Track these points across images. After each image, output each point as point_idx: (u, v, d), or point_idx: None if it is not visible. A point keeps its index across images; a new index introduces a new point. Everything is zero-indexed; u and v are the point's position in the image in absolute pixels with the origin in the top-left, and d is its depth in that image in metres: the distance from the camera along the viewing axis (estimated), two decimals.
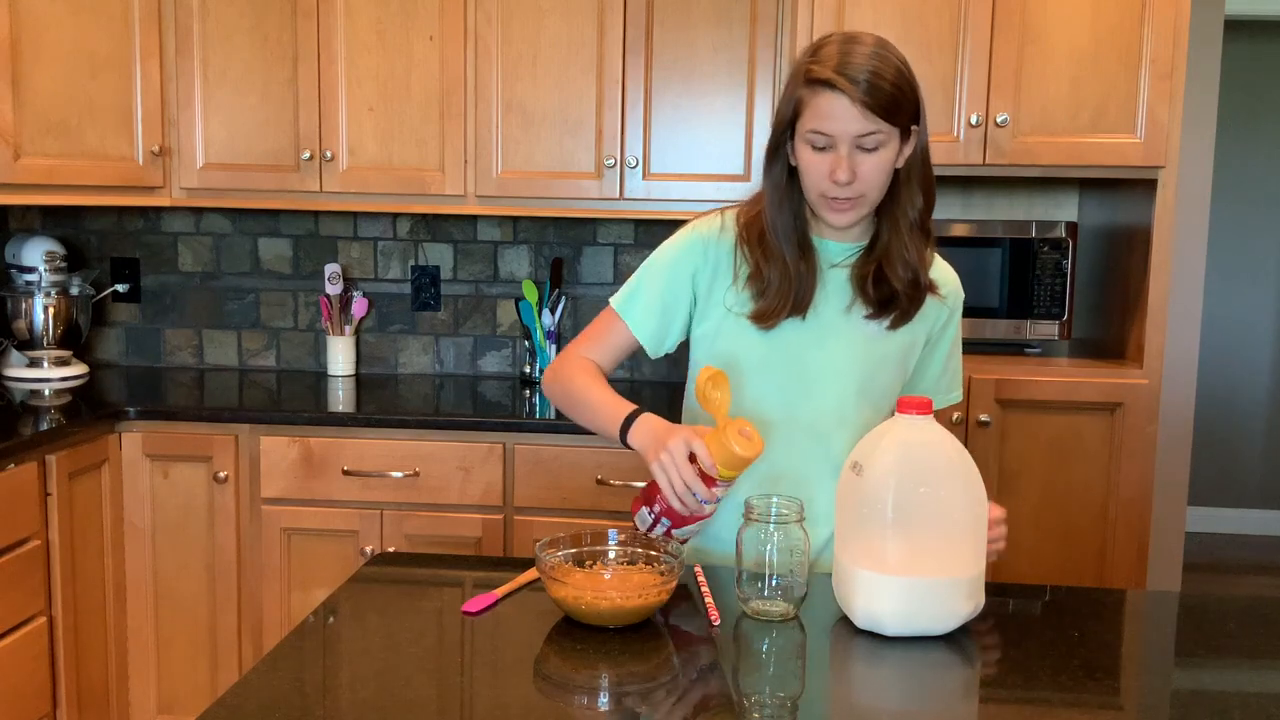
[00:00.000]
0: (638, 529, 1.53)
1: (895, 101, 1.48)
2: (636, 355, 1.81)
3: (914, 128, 1.54)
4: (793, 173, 1.60)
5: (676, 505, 1.45)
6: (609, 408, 1.59)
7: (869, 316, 1.62)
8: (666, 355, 1.73)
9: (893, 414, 1.40)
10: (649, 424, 1.53)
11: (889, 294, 1.60)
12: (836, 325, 1.62)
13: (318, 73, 2.79)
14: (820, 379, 1.62)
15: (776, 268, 1.59)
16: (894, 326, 1.63)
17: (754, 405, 1.62)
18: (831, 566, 1.44)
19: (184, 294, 3.23)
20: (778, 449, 1.61)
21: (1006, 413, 2.53)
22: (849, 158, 1.49)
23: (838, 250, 1.63)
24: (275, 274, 3.20)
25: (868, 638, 1.34)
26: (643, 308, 1.68)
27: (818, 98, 1.49)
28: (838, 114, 1.48)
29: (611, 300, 1.71)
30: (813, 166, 1.53)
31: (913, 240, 1.59)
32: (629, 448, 1.55)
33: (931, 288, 1.63)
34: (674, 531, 1.50)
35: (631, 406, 1.57)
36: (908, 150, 1.56)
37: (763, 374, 1.62)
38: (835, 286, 1.62)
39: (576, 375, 1.66)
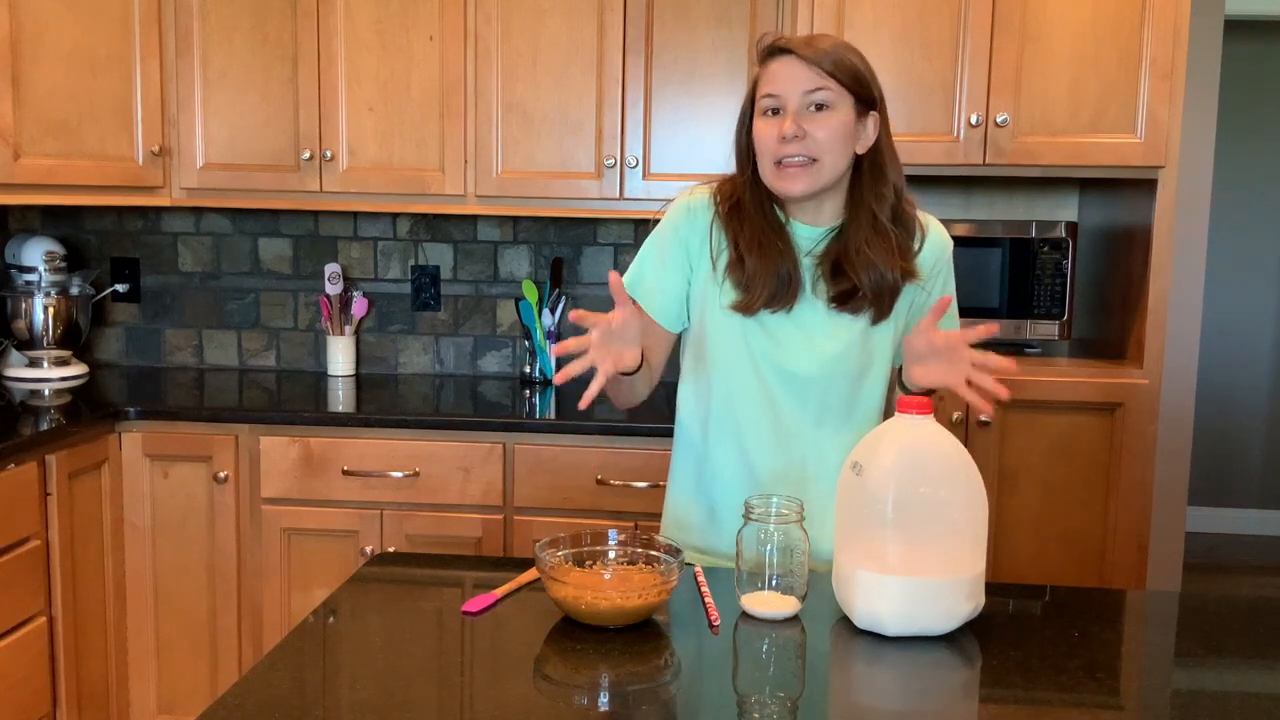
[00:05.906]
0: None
1: (840, 63, 1.52)
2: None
3: (872, 113, 1.56)
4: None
5: None
6: None
7: (835, 309, 1.60)
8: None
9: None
10: None
11: (848, 288, 1.58)
12: (813, 314, 1.61)
13: (318, 73, 2.79)
14: (805, 367, 1.60)
15: (755, 254, 1.57)
16: (874, 323, 1.60)
17: (737, 400, 1.62)
18: (831, 566, 1.44)
19: (184, 294, 3.23)
20: (767, 444, 1.61)
21: (1006, 413, 2.53)
22: (796, 115, 1.52)
23: (807, 235, 1.61)
24: (275, 274, 3.20)
25: (868, 638, 1.34)
26: (647, 284, 1.67)
27: (768, 67, 1.56)
28: (785, 73, 1.54)
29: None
30: (764, 133, 1.55)
31: (879, 238, 1.57)
32: None
33: (910, 273, 1.60)
34: None
35: None
36: (867, 133, 1.56)
37: (746, 366, 1.61)
38: (808, 274, 1.61)
39: None
